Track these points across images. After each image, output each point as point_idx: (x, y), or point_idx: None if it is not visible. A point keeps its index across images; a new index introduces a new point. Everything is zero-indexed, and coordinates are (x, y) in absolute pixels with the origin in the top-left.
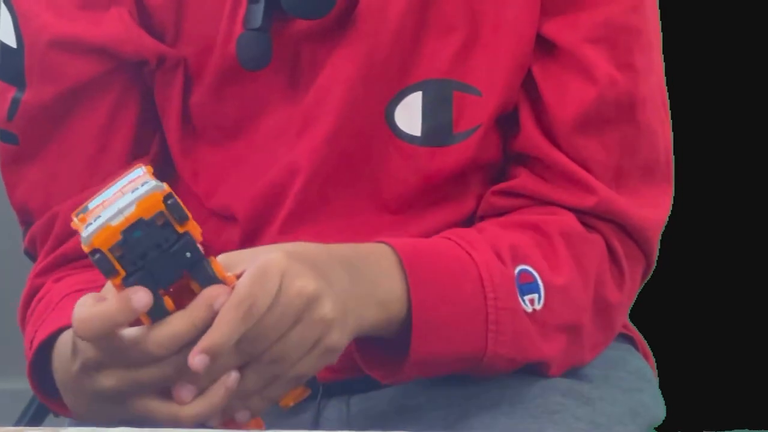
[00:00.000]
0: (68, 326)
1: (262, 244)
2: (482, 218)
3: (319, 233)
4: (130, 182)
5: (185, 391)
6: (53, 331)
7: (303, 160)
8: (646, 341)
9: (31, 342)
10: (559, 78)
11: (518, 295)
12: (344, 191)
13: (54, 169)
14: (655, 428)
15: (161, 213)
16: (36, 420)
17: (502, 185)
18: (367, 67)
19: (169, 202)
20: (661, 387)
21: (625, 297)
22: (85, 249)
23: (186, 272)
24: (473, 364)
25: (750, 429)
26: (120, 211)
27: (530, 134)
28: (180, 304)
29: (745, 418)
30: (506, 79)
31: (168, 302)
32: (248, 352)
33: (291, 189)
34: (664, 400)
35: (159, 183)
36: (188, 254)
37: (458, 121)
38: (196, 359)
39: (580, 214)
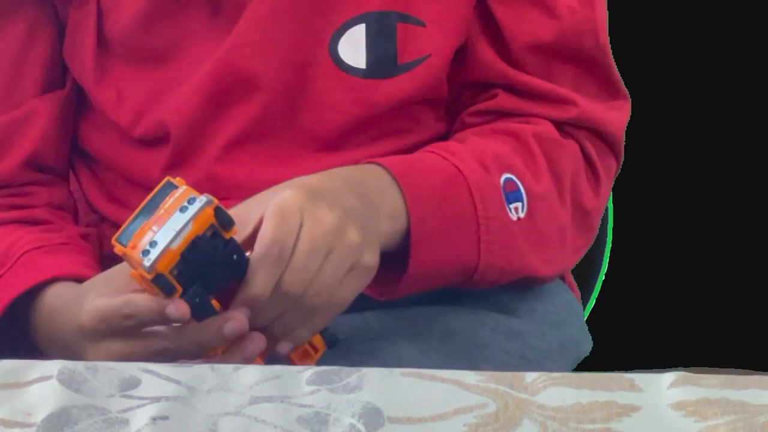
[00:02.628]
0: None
1: (194, 169)
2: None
3: (257, 161)
4: (171, 198)
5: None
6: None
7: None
8: (573, 276)
9: None
10: (519, 15)
11: (505, 204)
12: (286, 123)
13: None
14: (581, 362)
15: (212, 225)
16: None
17: (479, 105)
18: (297, 3)
19: (218, 213)
20: (588, 322)
21: (601, 200)
22: (147, 276)
23: (232, 275)
24: (467, 276)
25: (678, 367)
26: (178, 234)
27: (495, 65)
28: (224, 303)
29: (673, 356)
30: (452, 9)
31: (215, 303)
32: (289, 296)
33: (232, 113)
34: (591, 334)
35: (207, 197)
36: (235, 257)
37: (403, 52)
38: (238, 312)
39: (558, 123)
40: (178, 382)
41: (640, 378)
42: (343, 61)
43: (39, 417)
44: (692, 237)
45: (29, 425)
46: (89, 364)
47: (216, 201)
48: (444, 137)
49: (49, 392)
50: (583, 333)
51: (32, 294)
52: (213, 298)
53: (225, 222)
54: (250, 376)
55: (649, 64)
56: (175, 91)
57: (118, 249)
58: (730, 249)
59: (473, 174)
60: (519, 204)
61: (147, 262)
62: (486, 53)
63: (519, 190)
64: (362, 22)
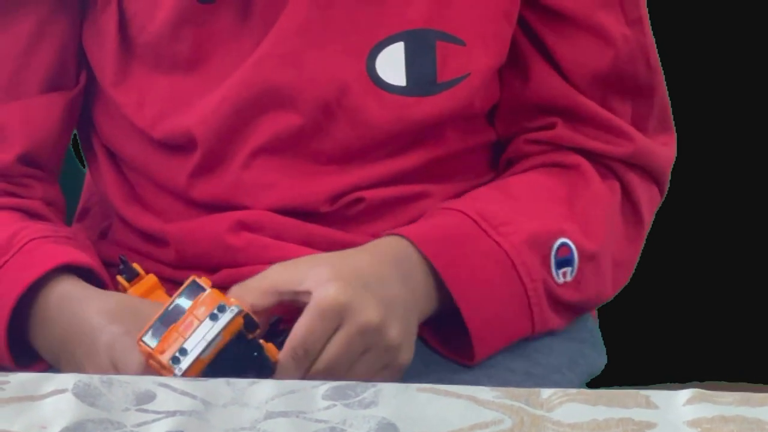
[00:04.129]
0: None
1: (220, 177)
2: (509, 161)
3: (284, 171)
4: (198, 302)
5: None
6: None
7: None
8: None
9: None
10: (574, 43)
11: (551, 270)
12: (318, 136)
13: None
14: (594, 378)
15: (240, 331)
16: None
17: (538, 134)
18: (329, 18)
19: (247, 321)
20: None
21: (637, 246)
22: (174, 375)
23: (252, 367)
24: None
25: (689, 378)
26: (209, 344)
27: (556, 85)
28: None
29: (686, 371)
30: (491, 28)
31: None
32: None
33: (261, 124)
34: (607, 350)
35: (237, 306)
36: (255, 354)
37: (442, 71)
38: None
39: (609, 160)
40: (193, 397)
41: (655, 395)
42: (381, 79)
43: (54, 430)
44: (702, 243)
45: None
46: (104, 377)
47: (245, 309)
48: (465, 154)
49: (64, 406)
50: (596, 348)
51: (39, 285)
52: None
53: (251, 327)
54: (265, 391)
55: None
56: (201, 99)
57: (143, 349)
58: (742, 254)
59: (516, 249)
60: (568, 269)
61: (178, 371)
62: (550, 76)
63: (572, 254)
64: (401, 40)
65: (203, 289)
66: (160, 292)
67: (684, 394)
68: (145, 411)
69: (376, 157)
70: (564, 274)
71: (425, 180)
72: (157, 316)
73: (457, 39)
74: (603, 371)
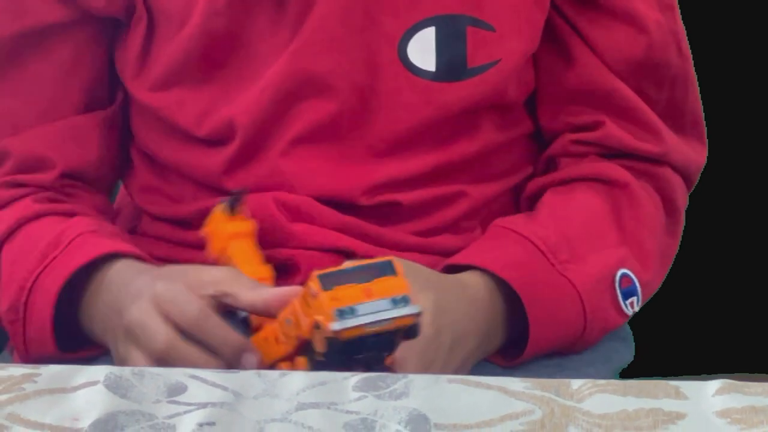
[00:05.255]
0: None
1: (258, 165)
2: (552, 159)
3: (323, 159)
4: (387, 280)
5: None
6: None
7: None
8: None
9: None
10: (608, 30)
11: (620, 302)
12: (356, 122)
13: (7, 105)
14: (624, 369)
15: (405, 329)
16: None
17: (585, 135)
18: (366, 3)
19: (414, 325)
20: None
21: (679, 232)
22: (328, 332)
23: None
24: None
25: (718, 372)
26: (378, 322)
27: (598, 69)
28: None
29: (714, 362)
30: (522, 15)
31: None
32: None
33: (301, 111)
34: (635, 342)
35: (419, 306)
36: (385, 353)
37: (473, 56)
38: None
39: (647, 161)
40: (224, 388)
41: (685, 385)
42: (412, 63)
43: (86, 422)
44: (728, 235)
45: (76, 431)
46: (136, 369)
47: (419, 314)
48: (501, 148)
49: (95, 397)
50: (626, 342)
51: (89, 271)
52: None
53: (412, 334)
54: (296, 382)
55: None
56: (242, 90)
57: (315, 284)
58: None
59: (585, 287)
60: (634, 298)
61: (338, 325)
62: (592, 60)
63: (634, 284)
64: (432, 25)
65: (394, 273)
66: (248, 243)
67: (714, 385)
68: (177, 402)
69: (413, 151)
70: (632, 305)
71: (462, 180)
72: (342, 266)
73: (488, 25)
74: (632, 363)
